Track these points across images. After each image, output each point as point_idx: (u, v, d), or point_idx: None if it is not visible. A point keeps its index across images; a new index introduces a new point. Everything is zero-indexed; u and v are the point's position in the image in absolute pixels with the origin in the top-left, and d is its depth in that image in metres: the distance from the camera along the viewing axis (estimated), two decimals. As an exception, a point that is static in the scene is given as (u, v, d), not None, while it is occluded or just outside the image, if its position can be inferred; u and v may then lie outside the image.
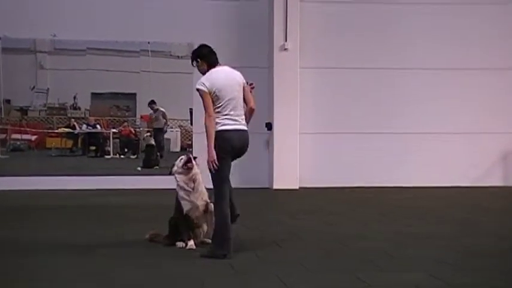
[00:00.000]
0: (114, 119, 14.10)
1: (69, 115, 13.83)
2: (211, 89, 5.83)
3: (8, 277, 5.29)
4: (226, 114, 5.86)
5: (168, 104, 13.38)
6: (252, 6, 12.23)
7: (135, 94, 13.96)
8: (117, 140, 13.90)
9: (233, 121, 5.88)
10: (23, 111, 13.80)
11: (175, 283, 5.06)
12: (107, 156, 13.80)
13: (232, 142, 5.88)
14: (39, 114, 13.64)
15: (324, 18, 12.22)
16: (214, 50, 6.11)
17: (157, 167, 12.90)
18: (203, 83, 5.85)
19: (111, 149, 13.84)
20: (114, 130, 13.81)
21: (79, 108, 13.90)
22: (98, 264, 5.64)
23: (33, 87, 13.76)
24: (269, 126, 12.02)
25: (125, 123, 13.90)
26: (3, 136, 13.44)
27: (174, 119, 13.78)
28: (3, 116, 13.64)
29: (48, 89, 13.68)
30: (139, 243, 6.45)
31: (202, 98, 5.88)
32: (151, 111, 13.40)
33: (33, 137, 13.65)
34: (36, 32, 11.86)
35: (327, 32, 12.24)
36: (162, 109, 13.41)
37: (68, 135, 13.81)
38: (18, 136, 13.99)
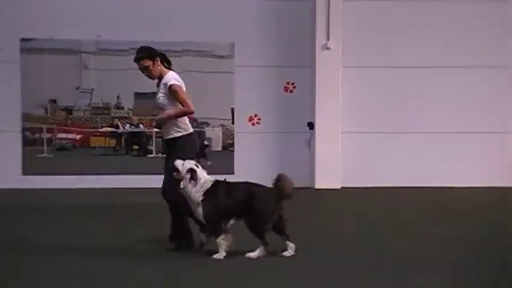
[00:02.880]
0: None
1: (112, 115, 13.97)
2: (182, 87, 6.14)
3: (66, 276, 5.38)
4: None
5: (209, 103, 13.43)
6: (295, 5, 12.20)
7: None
8: (160, 139, 14.00)
9: None
10: (68, 110, 13.98)
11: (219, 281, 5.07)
12: (149, 155, 13.91)
13: (197, 144, 6.32)
14: (84, 114, 13.80)
15: (366, 17, 12.13)
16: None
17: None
18: (177, 79, 6.12)
19: (153, 148, 13.95)
20: (156, 129, 13.90)
21: (122, 108, 14.04)
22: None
23: (78, 87, 13.94)
24: (311, 125, 11.97)
25: (168, 123, 14.02)
26: (49, 135, 13.65)
27: (215, 118, 13.82)
28: (49, 116, 13.86)
29: (92, 89, 13.85)
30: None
31: (178, 93, 6.05)
32: None
33: (78, 136, 13.82)
34: (81, 33, 12.07)
35: (369, 30, 12.14)
36: None
37: (112, 135, 13.96)
38: (63, 135, 14.17)
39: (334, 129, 11.91)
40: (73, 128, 13.88)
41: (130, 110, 14.08)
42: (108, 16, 11.97)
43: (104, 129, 13.75)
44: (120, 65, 13.54)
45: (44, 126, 13.57)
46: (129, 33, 12.10)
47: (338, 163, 11.91)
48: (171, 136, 6.14)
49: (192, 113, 6.17)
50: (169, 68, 6.31)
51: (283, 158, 12.20)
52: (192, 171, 5.87)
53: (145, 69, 6.23)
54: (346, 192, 11.34)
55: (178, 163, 5.87)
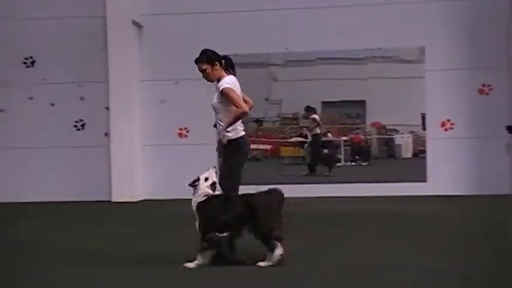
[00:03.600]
0: (345, 127, 14.20)
1: (301, 124, 14.21)
2: (234, 89, 6.18)
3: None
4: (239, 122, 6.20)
5: (398, 109, 13.16)
6: (488, 3, 11.58)
7: (364, 101, 13.91)
8: (348, 148, 13.98)
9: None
10: (259, 122, 14.45)
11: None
12: (338, 164, 13.94)
13: (249, 148, 6.33)
14: (273, 125, 14.18)
15: None
16: None
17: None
18: (229, 83, 6.17)
19: (342, 156, 13.96)
20: (344, 138, 13.89)
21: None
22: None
23: (267, 99, 14.34)
24: (510, 129, 11.24)
25: (357, 130, 13.92)
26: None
27: (405, 125, 13.50)
28: (240, 127, 14.41)
29: (281, 100, 14.19)
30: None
31: (229, 95, 6.10)
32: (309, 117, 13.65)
33: (268, 147, 14.23)
34: (269, 47, 12.41)
35: None
36: (312, 116, 13.52)
37: (300, 144, 14.19)
38: (254, 146, 14.68)
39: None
40: (264, 139, 14.32)
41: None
42: (294, 28, 12.19)
43: (292, 139, 14.02)
44: (307, 75, 13.74)
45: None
46: (314, 44, 12.24)
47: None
48: (226, 138, 6.21)
49: (244, 113, 6.15)
50: (230, 73, 6.36)
51: (480, 164, 11.60)
52: (195, 180, 6.00)
53: (202, 72, 6.38)
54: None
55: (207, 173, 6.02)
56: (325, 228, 8.45)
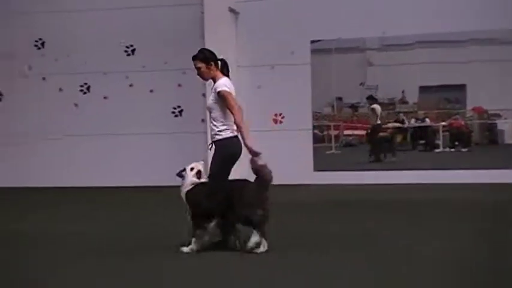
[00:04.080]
0: (443, 112, 13.80)
1: (397, 110, 13.93)
2: (230, 91, 6.37)
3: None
4: (231, 123, 6.39)
5: (500, 93, 12.64)
6: None
7: (464, 85, 13.45)
8: (447, 133, 13.58)
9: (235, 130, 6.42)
10: (354, 107, 14.30)
11: None
12: (436, 150, 13.58)
13: (238, 149, 6.40)
14: (369, 110, 13.97)
15: None
16: None
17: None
18: (226, 86, 6.36)
19: (440, 142, 13.58)
20: (443, 123, 13.51)
21: (407, 103, 13.92)
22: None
23: (362, 83, 14.15)
24: None
25: (456, 116, 13.49)
26: (336, 132, 14.10)
27: (509, 109, 12.95)
28: (335, 113, 14.32)
29: (377, 85, 13.96)
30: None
31: (227, 99, 6.31)
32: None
33: (363, 132, 14.06)
34: (366, 31, 12.21)
35: None
36: (372, 106, 13.16)
37: (397, 130, 13.92)
38: (349, 132, 14.54)
39: None
40: (359, 125, 14.15)
41: (415, 104, 13.89)
42: (392, 12, 11.93)
43: (389, 125, 13.77)
44: (405, 59, 13.44)
45: (332, 124, 14.06)
46: (413, 27, 11.93)
47: None
48: (213, 139, 6.49)
49: (238, 121, 6.33)
50: (225, 75, 6.54)
51: None
52: (182, 170, 6.33)
53: (197, 70, 6.57)
54: None
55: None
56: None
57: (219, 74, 6.56)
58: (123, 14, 12.73)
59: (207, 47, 12.05)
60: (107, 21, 12.77)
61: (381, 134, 13.54)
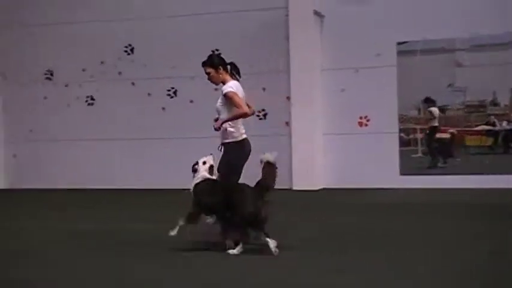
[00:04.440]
0: (539, 116, 13.26)
1: (488, 112, 13.48)
2: (238, 93, 6.58)
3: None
4: (240, 124, 6.66)
5: None
6: None
7: (559, 87, 12.87)
8: (538, 137, 13.04)
9: (244, 130, 6.70)
10: (441, 109, 13.95)
11: None
12: (526, 154, 13.06)
13: (248, 150, 6.67)
14: (457, 112, 13.60)
15: None
16: None
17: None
18: (232, 87, 6.59)
19: (534, 146, 13.06)
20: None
21: (498, 105, 13.45)
22: None
23: (450, 84, 13.79)
24: None
25: (550, 118, 12.94)
26: (421, 135, 13.81)
27: None
28: (422, 116, 14.02)
29: (465, 87, 13.57)
30: None
31: (232, 98, 6.54)
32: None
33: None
34: (454, 32, 11.91)
35: None
36: (430, 108, 12.74)
37: (488, 133, 13.47)
38: (437, 135, 14.21)
39: None
40: (446, 128, 13.79)
41: (507, 106, 13.42)
42: (480, 11, 11.58)
43: (479, 128, 13.35)
44: (495, 60, 12.99)
45: (418, 127, 13.77)
46: (503, 26, 11.54)
47: None
48: (222, 141, 6.72)
49: (244, 114, 6.57)
50: (235, 78, 6.76)
51: None
52: (195, 164, 6.54)
53: (207, 75, 6.83)
54: None
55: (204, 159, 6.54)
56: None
57: (228, 78, 6.78)
58: (208, 18, 12.95)
59: (291, 50, 12.29)
60: (193, 26, 13.02)
61: (438, 136, 13.20)
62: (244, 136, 6.72)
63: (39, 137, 13.96)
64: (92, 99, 13.71)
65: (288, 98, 12.41)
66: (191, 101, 13.09)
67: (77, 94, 13.75)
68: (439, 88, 13.77)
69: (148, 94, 13.29)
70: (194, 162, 6.59)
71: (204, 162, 6.53)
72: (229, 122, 6.63)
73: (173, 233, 6.39)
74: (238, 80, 6.83)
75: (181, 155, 13.09)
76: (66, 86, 13.80)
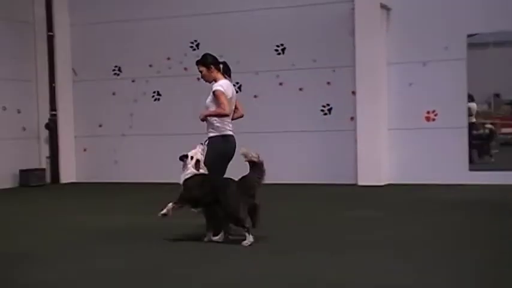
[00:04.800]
0: None
1: None
2: (226, 92, 6.92)
3: None
4: (228, 122, 7.00)
5: None
6: None
7: None
8: None
9: (231, 129, 7.05)
10: (512, 104, 13.55)
11: None
12: None
13: (232, 146, 6.97)
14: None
15: None
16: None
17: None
18: (222, 86, 6.94)
19: None
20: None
21: None
22: None
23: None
24: None
25: None
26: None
27: None
28: (492, 111, 13.66)
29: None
30: None
31: (218, 97, 6.89)
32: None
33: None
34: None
35: None
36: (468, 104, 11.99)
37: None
38: (508, 130, 13.81)
39: None
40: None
41: None
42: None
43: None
44: None
45: (488, 122, 13.38)
46: None
47: None
48: (208, 135, 7.03)
49: (224, 114, 6.89)
50: (225, 76, 7.11)
51: None
52: (184, 158, 6.85)
53: (200, 73, 7.25)
54: None
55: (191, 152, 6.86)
56: None
57: (220, 76, 7.12)
58: (273, 13, 12.92)
59: (356, 44, 12.13)
60: (258, 21, 13.02)
61: (476, 132, 12.74)
62: (229, 132, 7.03)
63: (108, 131, 14.27)
64: (159, 94, 13.91)
65: (353, 92, 12.27)
66: (255, 96, 13.10)
67: (144, 89, 13.98)
68: (510, 82, 13.35)
69: (213, 89, 13.39)
70: (183, 154, 6.91)
71: (192, 157, 6.84)
72: (216, 118, 6.95)
73: (161, 212, 6.72)
74: (229, 79, 7.18)
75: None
76: (133, 81, 14.07)
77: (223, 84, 6.99)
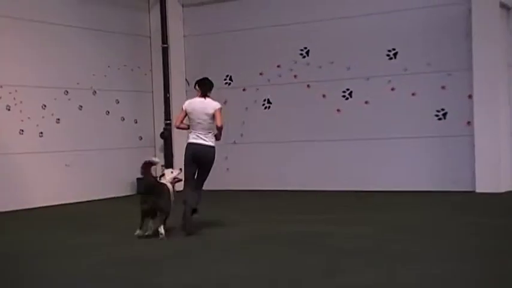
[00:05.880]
0: None
1: None
2: (186, 109, 8.37)
3: None
4: (194, 132, 8.32)
5: None
6: None
7: None
8: None
9: (197, 137, 8.29)
10: None
11: None
12: None
13: (192, 151, 8.28)
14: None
15: None
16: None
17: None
18: (186, 102, 8.51)
19: None
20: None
21: None
22: None
23: None
24: None
25: None
26: None
27: None
28: None
29: None
30: None
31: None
32: None
33: None
34: None
35: None
36: None
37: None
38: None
39: None
40: None
41: None
42: None
43: None
44: None
45: None
46: None
47: None
48: None
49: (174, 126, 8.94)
50: (200, 93, 8.45)
51: None
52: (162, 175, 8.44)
53: None
54: None
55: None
56: None
57: (197, 94, 8.47)
58: (384, 17, 12.67)
59: (474, 46, 11.65)
60: (368, 26, 12.81)
61: None
62: (191, 141, 8.30)
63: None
64: (269, 102, 13.99)
65: (470, 96, 11.78)
66: (366, 102, 12.88)
67: (255, 98, 14.11)
68: None
69: (323, 96, 13.28)
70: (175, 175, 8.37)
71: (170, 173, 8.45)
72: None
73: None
74: (204, 96, 8.37)
75: (354, 157, 12.96)
76: (244, 90, 14.23)
77: (187, 101, 8.47)
